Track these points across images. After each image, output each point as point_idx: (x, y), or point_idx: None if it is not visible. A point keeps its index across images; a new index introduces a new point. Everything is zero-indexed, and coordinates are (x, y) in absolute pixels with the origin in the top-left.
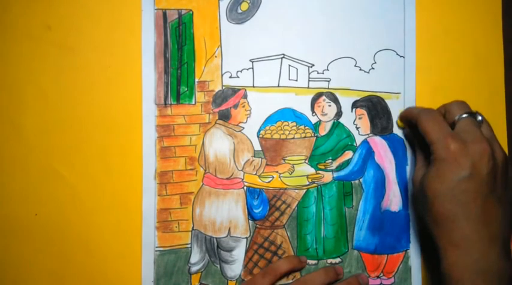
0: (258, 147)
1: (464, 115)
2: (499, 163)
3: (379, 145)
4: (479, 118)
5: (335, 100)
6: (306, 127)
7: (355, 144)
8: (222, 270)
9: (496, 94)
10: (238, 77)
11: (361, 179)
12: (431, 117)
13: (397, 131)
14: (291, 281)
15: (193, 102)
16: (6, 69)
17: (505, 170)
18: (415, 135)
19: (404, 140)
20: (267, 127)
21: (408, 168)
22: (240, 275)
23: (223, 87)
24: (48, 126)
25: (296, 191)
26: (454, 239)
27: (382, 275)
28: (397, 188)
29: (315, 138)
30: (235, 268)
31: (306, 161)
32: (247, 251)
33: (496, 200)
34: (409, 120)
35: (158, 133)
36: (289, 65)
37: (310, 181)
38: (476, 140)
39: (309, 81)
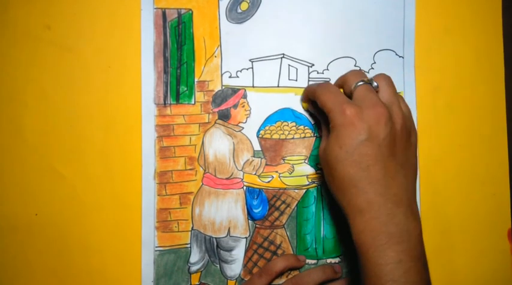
0: (257, 147)
1: (360, 83)
2: (397, 127)
3: None
4: (375, 84)
5: None
6: (306, 127)
7: None
8: (221, 269)
9: (496, 94)
10: (237, 77)
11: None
12: (326, 89)
13: None
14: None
15: (193, 102)
16: (6, 69)
17: (406, 134)
18: (320, 112)
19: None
20: (267, 127)
21: None
22: (239, 275)
23: (223, 87)
24: (47, 126)
25: (296, 191)
26: (359, 205)
27: None
28: None
29: (314, 138)
30: (234, 268)
31: (306, 161)
32: (246, 251)
33: (397, 163)
34: (310, 98)
35: (158, 133)
36: (289, 65)
37: (310, 181)
38: (371, 105)
39: (308, 80)
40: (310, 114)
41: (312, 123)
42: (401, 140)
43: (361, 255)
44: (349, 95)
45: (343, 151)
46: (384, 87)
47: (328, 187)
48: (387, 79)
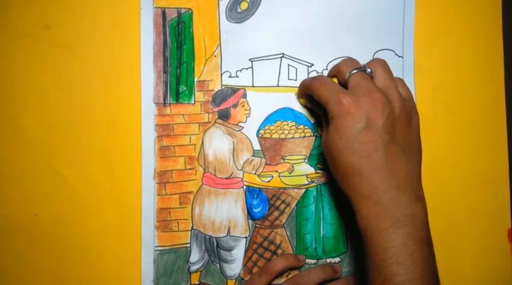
0: (257, 147)
1: (354, 71)
2: (396, 111)
3: None
4: (368, 70)
5: None
6: (306, 127)
7: None
8: (221, 269)
9: (495, 94)
10: (237, 77)
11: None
12: (321, 81)
13: None
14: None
15: (193, 102)
16: (6, 69)
17: (405, 118)
18: (317, 105)
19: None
20: (267, 127)
21: None
22: (239, 274)
23: (223, 87)
24: (47, 126)
25: (295, 190)
26: (363, 191)
27: None
28: None
29: (314, 137)
30: (234, 267)
31: (306, 161)
32: (246, 251)
33: (399, 147)
34: (305, 92)
35: (157, 133)
36: (289, 64)
37: (310, 180)
38: (366, 92)
39: None
40: (309, 111)
41: (312, 122)
42: (401, 124)
43: (366, 240)
44: (344, 85)
45: (344, 141)
46: (379, 72)
47: (333, 176)
48: (381, 63)
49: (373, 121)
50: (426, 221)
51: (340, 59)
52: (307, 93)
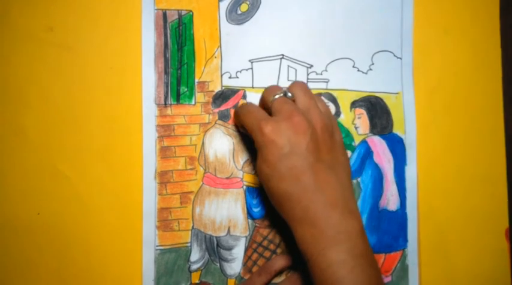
0: None
1: (276, 97)
2: (318, 131)
3: (378, 144)
4: (289, 94)
5: (333, 100)
6: None
7: (353, 144)
8: (221, 268)
9: (494, 95)
10: (237, 78)
11: (359, 179)
12: (246, 109)
13: (396, 130)
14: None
15: (193, 102)
16: (8, 70)
17: (328, 136)
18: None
19: (404, 140)
20: None
21: (407, 168)
22: (239, 273)
23: (223, 88)
24: (49, 126)
25: None
26: (296, 215)
27: None
28: (395, 187)
29: None
30: (234, 266)
31: None
32: (246, 250)
33: (326, 166)
34: (238, 121)
35: (158, 133)
36: (288, 66)
37: None
38: (287, 116)
39: (307, 81)
40: None
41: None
42: (324, 142)
43: (307, 263)
44: (270, 112)
45: (271, 169)
46: (299, 94)
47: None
48: (300, 85)
49: (296, 145)
50: (362, 234)
51: (339, 61)
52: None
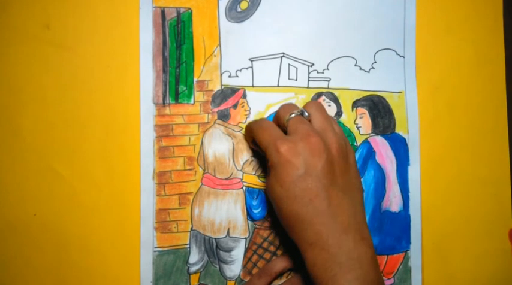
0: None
1: (292, 116)
2: (333, 153)
3: (380, 144)
4: (306, 113)
5: (335, 100)
6: None
7: (355, 144)
8: (221, 270)
9: (497, 93)
10: (237, 76)
11: (361, 179)
12: (260, 126)
13: (399, 130)
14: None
15: (192, 102)
16: (4, 68)
17: (343, 159)
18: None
19: (407, 140)
20: None
21: (410, 168)
22: (239, 275)
23: (223, 87)
24: (46, 125)
25: None
26: (308, 238)
27: (382, 275)
28: (398, 188)
29: None
30: (234, 268)
31: None
32: (246, 252)
33: (339, 189)
34: (250, 135)
35: (157, 133)
36: (289, 64)
37: None
38: (304, 136)
39: (308, 80)
40: None
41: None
42: (339, 165)
43: None
44: (285, 130)
45: (284, 189)
46: (315, 114)
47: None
48: (317, 105)
49: (312, 167)
50: (374, 261)
51: (341, 59)
52: (251, 136)
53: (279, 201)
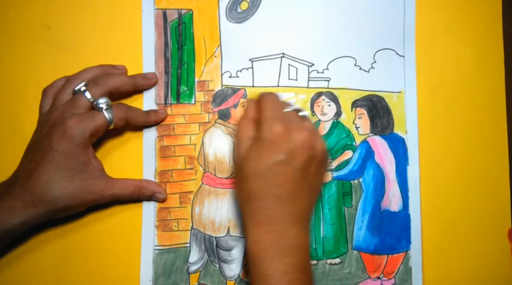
0: None
1: (290, 109)
2: (316, 155)
3: (379, 144)
4: (303, 113)
5: (334, 99)
6: None
7: (354, 144)
8: (221, 269)
9: (496, 93)
10: (238, 77)
11: (360, 179)
12: (272, 99)
13: (397, 131)
14: None
15: (193, 102)
16: (6, 68)
17: (320, 162)
18: None
19: (405, 139)
20: None
21: (409, 168)
22: (239, 275)
23: (223, 87)
24: None
25: None
26: (259, 217)
27: (382, 275)
28: (397, 188)
29: None
30: (234, 268)
31: None
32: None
33: (306, 185)
34: (254, 103)
35: (158, 132)
36: (289, 64)
37: None
38: (299, 129)
39: (308, 80)
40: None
41: (312, 122)
42: (317, 165)
43: (252, 264)
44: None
45: (260, 167)
46: (308, 120)
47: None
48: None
49: (294, 157)
50: (308, 251)
51: (341, 59)
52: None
53: (249, 173)
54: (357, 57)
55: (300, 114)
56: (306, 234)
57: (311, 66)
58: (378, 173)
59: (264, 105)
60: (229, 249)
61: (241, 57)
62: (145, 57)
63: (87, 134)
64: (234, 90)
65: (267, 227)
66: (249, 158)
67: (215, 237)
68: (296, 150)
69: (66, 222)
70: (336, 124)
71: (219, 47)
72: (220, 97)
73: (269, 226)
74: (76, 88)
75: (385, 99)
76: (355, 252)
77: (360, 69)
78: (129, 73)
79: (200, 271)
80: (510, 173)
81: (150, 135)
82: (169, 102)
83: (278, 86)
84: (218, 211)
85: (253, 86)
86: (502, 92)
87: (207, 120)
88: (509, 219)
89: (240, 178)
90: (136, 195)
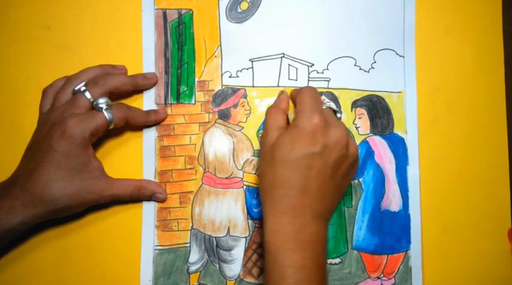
0: (257, 147)
1: (327, 106)
2: (349, 156)
3: (379, 144)
4: (339, 115)
5: (334, 100)
6: None
7: None
8: (221, 269)
9: (496, 93)
10: (238, 77)
11: (360, 179)
12: (311, 90)
13: (397, 131)
14: None
15: (193, 102)
16: (6, 68)
17: (352, 164)
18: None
19: (405, 139)
20: None
21: (409, 168)
22: (239, 275)
23: (223, 87)
24: None
25: None
26: (281, 207)
27: (382, 275)
28: (397, 188)
29: None
30: (234, 268)
31: None
32: (246, 251)
33: (333, 185)
34: (293, 96)
35: (158, 132)
36: (289, 65)
37: None
38: (337, 126)
39: (308, 80)
40: None
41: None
42: (347, 167)
43: (269, 254)
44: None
45: (294, 153)
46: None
47: (259, 175)
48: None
49: (329, 153)
50: (326, 247)
51: (341, 59)
52: (294, 98)
53: (279, 159)
54: (356, 57)
55: (338, 115)
56: (326, 231)
57: (311, 66)
58: (377, 173)
59: (304, 95)
60: (229, 249)
61: (241, 57)
62: (145, 57)
63: (87, 134)
64: (234, 90)
65: (287, 218)
66: (281, 145)
67: (215, 237)
68: (332, 146)
69: (66, 222)
70: None
71: (219, 47)
72: (220, 97)
73: (290, 217)
74: (76, 88)
75: (385, 99)
76: (355, 252)
77: (360, 69)
78: (129, 73)
79: (200, 271)
80: (510, 173)
81: (150, 135)
82: (169, 102)
83: (278, 86)
84: (218, 211)
85: (253, 86)
86: (502, 92)
87: (207, 120)
88: (509, 219)
89: (267, 164)
90: (136, 195)
